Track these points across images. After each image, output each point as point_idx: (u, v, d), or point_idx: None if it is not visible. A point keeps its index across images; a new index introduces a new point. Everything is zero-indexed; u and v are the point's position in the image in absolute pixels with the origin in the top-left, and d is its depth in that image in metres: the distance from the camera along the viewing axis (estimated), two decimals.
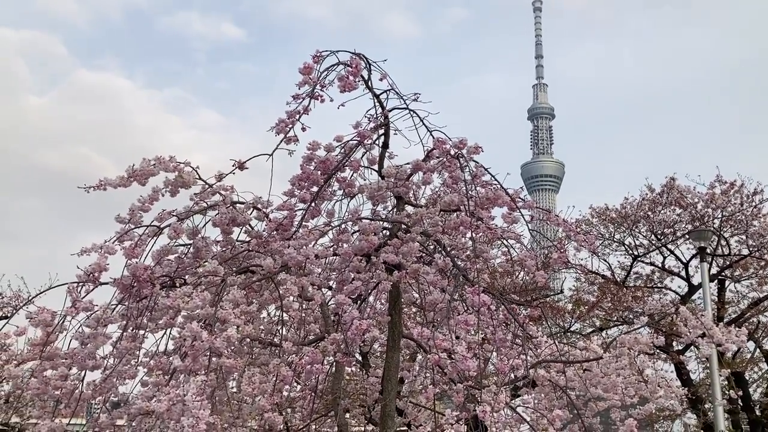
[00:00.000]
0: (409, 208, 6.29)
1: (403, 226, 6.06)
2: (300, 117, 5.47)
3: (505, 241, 6.06)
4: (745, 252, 17.27)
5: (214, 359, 4.59)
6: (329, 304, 6.42)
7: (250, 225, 6.09)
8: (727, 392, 15.04)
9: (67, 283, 4.99)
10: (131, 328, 5.28)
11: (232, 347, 4.71)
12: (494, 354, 6.65)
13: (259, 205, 6.00)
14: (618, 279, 18.14)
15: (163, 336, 5.34)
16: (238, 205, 5.92)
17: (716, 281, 17.51)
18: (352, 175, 6.19)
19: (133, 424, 4.93)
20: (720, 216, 17.00)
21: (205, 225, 5.76)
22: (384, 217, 6.32)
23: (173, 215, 5.48)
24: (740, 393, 16.36)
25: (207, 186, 5.86)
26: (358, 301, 6.25)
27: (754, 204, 16.96)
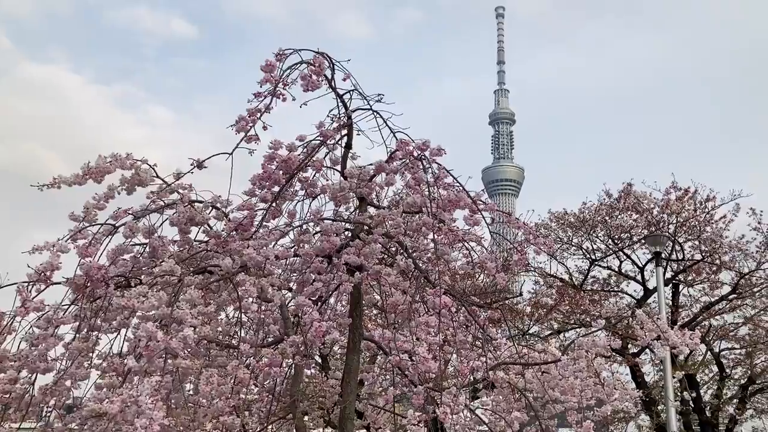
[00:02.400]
0: (371, 210, 6.25)
1: (366, 227, 6.02)
2: (261, 115, 5.39)
3: (466, 244, 6.06)
4: (698, 257, 17.65)
5: (170, 360, 4.48)
6: (289, 305, 6.34)
7: (208, 225, 5.98)
8: (679, 394, 15.36)
9: (15, 283, 4.82)
10: (85, 329, 5.13)
11: (189, 349, 4.60)
12: (454, 356, 6.65)
13: (218, 205, 5.90)
14: (576, 282, 18.39)
15: (116, 337, 5.20)
16: (196, 204, 5.81)
17: (670, 285, 17.86)
18: (314, 176, 6.13)
19: (85, 427, 4.78)
20: (675, 222, 17.36)
21: (162, 224, 5.64)
22: (346, 218, 6.27)
23: (129, 214, 5.35)
24: (693, 395, 16.72)
25: (165, 184, 5.74)
26: (319, 303, 6.19)
27: (706, 210, 17.37)
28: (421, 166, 5.55)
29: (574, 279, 18.60)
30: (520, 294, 17.56)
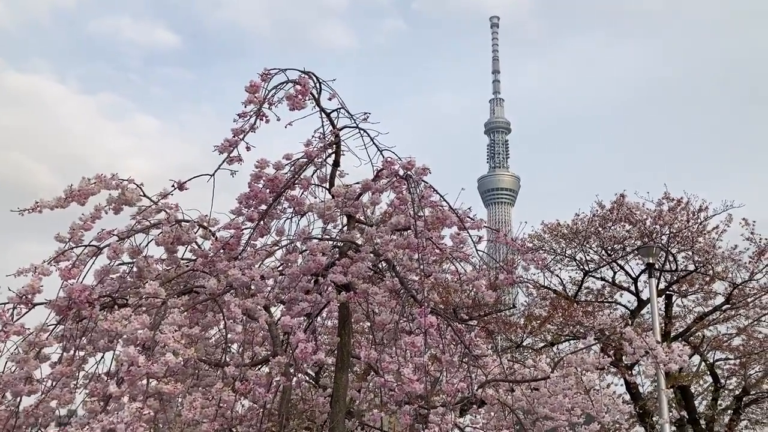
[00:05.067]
0: (365, 228, 6.22)
1: (354, 244, 5.99)
2: (245, 136, 5.37)
3: (453, 262, 6.04)
4: (691, 267, 17.67)
5: (153, 384, 4.44)
6: (278, 323, 6.30)
7: (196, 243, 5.95)
8: (674, 405, 15.30)
9: None
10: (73, 350, 5.08)
11: (173, 372, 4.56)
12: (444, 373, 6.60)
13: (205, 224, 5.87)
14: (569, 293, 18.36)
15: (101, 359, 5.15)
16: (183, 223, 5.78)
17: (664, 296, 17.85)
18: (302, 194, 6.09)
19: None
20: (667, 232, 17.37)
21: (147, 244, 5.61)
22: (334, 235, 6.24)
23: (113, 234, 5.31)
24: (683, 413, 16.71)
25: (152, 203, 5.71)
26: (309, 319, 6.15)
27: (699, 221, 17.39)
28: (407, 185, 5.53)
29: (567, 290, 18.57)
30: (513, 306, 17.52)
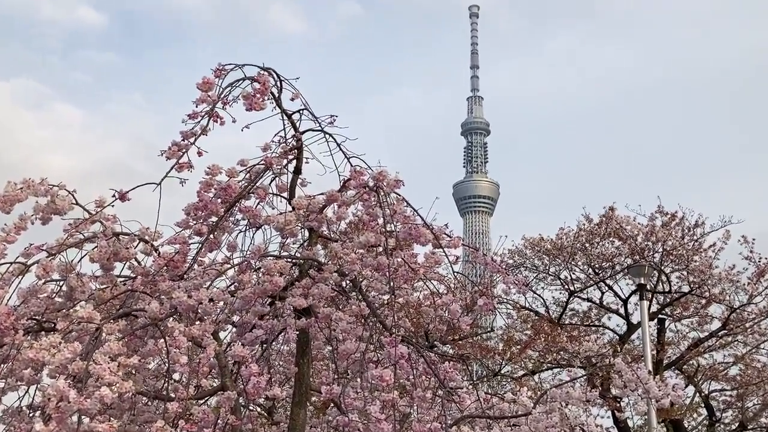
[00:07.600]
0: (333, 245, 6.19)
1: (315, 263, 5.96)
2: (196, 140, 5.32)
3: (427, 283, 6.05)
4: (686, 289, 17.87)
5: (85, 422, 4.35)
6: (227, 350, 6.23)
7: (136, 259, 5.86)
8: None
9: None
10: None
11: (108, 409, 4.47)
12: (415, 409, 6.60)
13: (147, 237, 5.79)
14: (553, 316, 18.49)
15: (25, 393, 5.04)
16: (121, 236, 5.69)
17: (656, 320, 18.05)
18: (257, 204, 6.05)
19: None
20: (660, 250, 17.55)
21: (80, 260, 5.50)
22: (293, 253, 6.20)
23: (43, 250, 5.20)
24: None
25: (88, 214, 5.61)
26: (263, 347, 6.09)
27: (695, 238, 17.63)
28: (377, 198, 5.52)
29: (550, 312, 18.70)
30: (491, 330, 17.60)
